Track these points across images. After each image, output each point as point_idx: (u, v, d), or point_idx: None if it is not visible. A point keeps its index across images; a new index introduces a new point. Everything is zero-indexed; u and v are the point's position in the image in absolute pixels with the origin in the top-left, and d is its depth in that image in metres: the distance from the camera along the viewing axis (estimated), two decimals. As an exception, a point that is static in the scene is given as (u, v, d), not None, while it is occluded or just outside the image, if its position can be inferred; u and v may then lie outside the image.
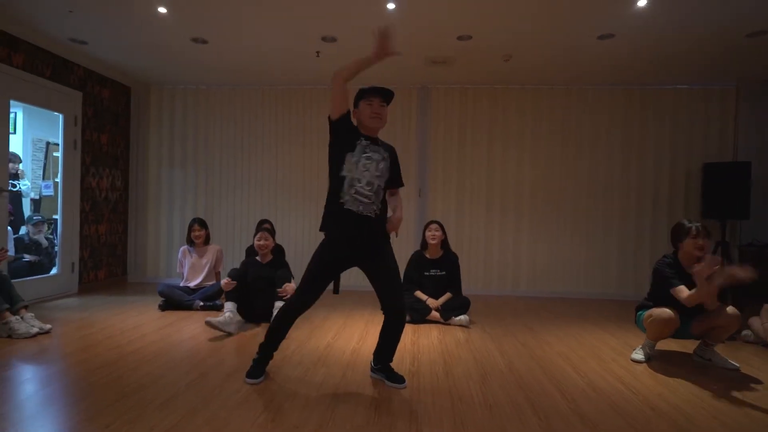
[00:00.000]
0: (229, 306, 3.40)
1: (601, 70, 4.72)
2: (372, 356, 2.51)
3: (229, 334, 3.29)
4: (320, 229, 2.37)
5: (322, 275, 2.33)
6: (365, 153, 2.27)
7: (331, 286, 2.45)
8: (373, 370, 2.51)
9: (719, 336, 2.78)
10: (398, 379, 2.39)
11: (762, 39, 3.84)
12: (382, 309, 2.32)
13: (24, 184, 5.06)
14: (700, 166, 5.06)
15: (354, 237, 2.28)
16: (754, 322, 3.37)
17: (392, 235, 2.39)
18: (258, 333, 3.36)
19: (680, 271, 2.75)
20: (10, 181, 4.21)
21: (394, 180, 2.40)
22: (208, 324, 3.21)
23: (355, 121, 2.37)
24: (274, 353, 2.49)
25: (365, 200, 2.25)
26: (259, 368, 2.42)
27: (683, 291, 2.64)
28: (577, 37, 3.89)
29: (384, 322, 2.37)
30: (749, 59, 4.32)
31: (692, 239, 2.67)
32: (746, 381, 2.58)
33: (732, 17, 3.48)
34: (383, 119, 2.33)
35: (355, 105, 2.37)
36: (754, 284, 4.25)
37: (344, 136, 2.31)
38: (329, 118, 2.33)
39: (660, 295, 2.81)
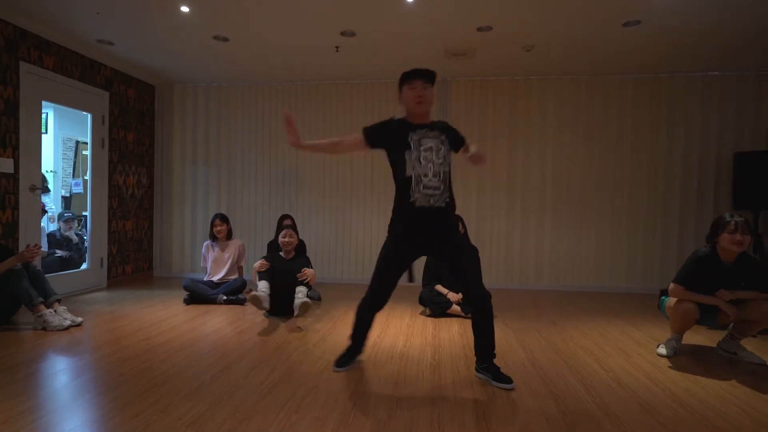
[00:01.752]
0: (263, 284, 3.53)
1: (626, 59, 4.59)
2: (474, 356, 2.44)
3: (266, 313, 3.38)
4: (388, 229, 2.38)
5: (390, 273, 2.34)
6: (422, 145, 2.24)
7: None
8: (478, 369, 2.42)
9: (748, 330, 2.69)
10: (505, 379, 2.28)
11: (797, 22, 3.67)
12: (466, 299, 2.34)
13: (49, 208, 5.27)
14: (731, 155, 4.88)
15: (427, 229, 2.27)
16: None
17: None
18: (280, 327, 3.40)
19: (716, 265, 2.66)
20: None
21: (457, 142, 2.40)
22: (252, 298, 3.35)
23: (401, 108, 2.36)
24: (363, 347, 2.56)
25: (435, 192, 2.23)
26: (345, 357, 2.50)
27: (680, 290, 2.66)
28: (602, 24, 3.78)
29: (472, 314, 2.35)
30: (784, 44, 4.14)
31: (729, 234, 2.58)
32: (780, 377, 2.49)
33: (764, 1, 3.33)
34: (428, 101, 2.29)
35: (400, 90, 2.34)
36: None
37: (393, 140, 2.30)
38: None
39: (678, 275, 2.75)
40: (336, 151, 2.40)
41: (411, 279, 2.52)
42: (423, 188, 2.22)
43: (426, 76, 2.28)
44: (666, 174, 5.03)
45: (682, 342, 2.93)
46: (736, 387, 2.33)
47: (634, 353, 2.88)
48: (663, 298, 2.92)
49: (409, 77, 2.28)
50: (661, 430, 1.86)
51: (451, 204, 2.30)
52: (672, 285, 2.71)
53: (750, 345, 3.00)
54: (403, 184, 2.27)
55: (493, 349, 2.37)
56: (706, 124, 4.96)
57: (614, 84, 5.07)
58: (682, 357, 2.81)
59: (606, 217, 5.12)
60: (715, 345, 2.96)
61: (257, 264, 3.62)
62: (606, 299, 4.66)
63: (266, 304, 3.43)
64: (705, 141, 4.96)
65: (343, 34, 4.04)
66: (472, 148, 2.34)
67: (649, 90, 5.03)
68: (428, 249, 2.38)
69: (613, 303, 4.47)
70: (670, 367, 2.63)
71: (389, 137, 2.31)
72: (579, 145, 5.14)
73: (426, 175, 2.22)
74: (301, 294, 3.52)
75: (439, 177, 2.23)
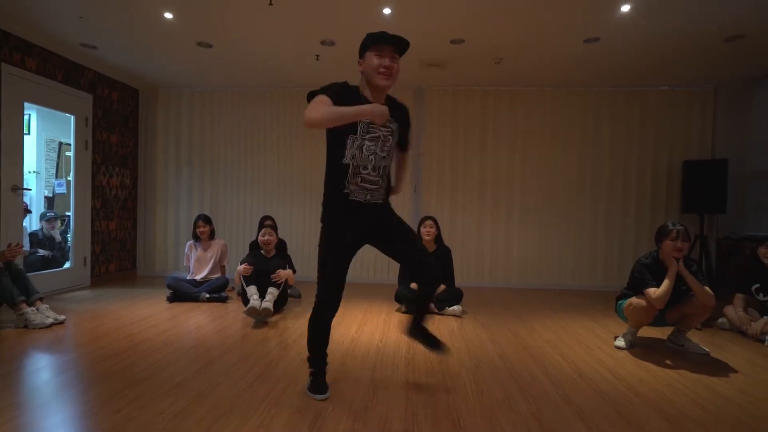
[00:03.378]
0: (253, 290, 3.42)
1: (588, 73, 4.72)
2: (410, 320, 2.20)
3: (247, 310, 3.28)
4: (321, 220, 2.00)
5: (335, 269, 1.97)
6: (369, 132, 1.88)
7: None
8: (412, 333, 2.18)
9: (691, 323, 2.81)
10: (436, 345, 2.11)
11: (739, 43, 3.84)
12: (411, 275, 1.99)
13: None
14: (680, 163, 5.07)
15: (361, 225, 1.97)
16: (729, 310, 3.39)
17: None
18: (261, 324, 3.35)
19: (658, 269, 2.76)
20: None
21: (401, 144, 2.05)
22: (250, 310, 3.23)
23: (359, 79, 1.92)
24: (326, 362, 2.14)
25: (372, 187, 1.92)
26: (318, 383, 2.06)
27: (653, 293, 2.68)
28: (565, 41, 3.88)
29: (419, 283, 2.09)
30: (727, 63, 4.33)
31: (671, 241, 2.69)
32: (719, 365, 2.60)
33: (710, 23, 3.47)
34: (393, 76, 1.86)
35: (361, 54, 1.90)
36: (729, 275, 4.29)
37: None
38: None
39: (638, 286, 2.82)
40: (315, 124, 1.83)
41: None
42: (360, 181, 1.89)
43: (398, 43, 1.86)
44: (623, 180, 5.19)
45: (638, 335, 3.02)
46: (683, 376, 2.42)
47: (594, 346, 2.95)
48: (620, 302, 3.00)
49: (377, 40, 1.84)
50: (617, 417, 1.92)
51: (388, 200, 2.04)
52: (644, 293, 2.72)
53: (696, 337, 3.12)
54: (338, 171, 1.90)
55: (425, 313, 2.16)
56: (658, 134, 5.14)
57: (577, 96, 5.21)
58: (637, 349, 2.90)
59: (569, 220, 5.24)
60: (665, 338, 3.06)
61: (241, 268, 3.51)
62: (569, 296, 4.77)
63: (269, 304, 3.33)
64: (658, 150, 5.15)
65: (323, 43, 4.02)
66: (398, 185, 2.12)
67: (608, 102, 5.18)
68: (366, 240, 2.03)
69: (575, 300, 4.58)
70: (626, 358, 2.71)
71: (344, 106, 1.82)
72: (545, 152, 5.25)
73: (365, 168, 1.89)
74: (270, 296, 3.39)
75: (379, 171, 1.92)
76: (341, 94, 1.84)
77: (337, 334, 3.10)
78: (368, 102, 1.88)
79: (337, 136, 1.90)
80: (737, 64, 4.36)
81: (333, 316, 2.06)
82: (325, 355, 2.14)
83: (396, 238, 2.03)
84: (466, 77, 4.94)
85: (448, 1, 3.24)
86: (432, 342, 2.16)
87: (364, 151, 1.88)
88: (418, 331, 2.18)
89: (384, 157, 1.93)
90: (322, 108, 1.74)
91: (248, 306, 3.26)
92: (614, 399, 2.10)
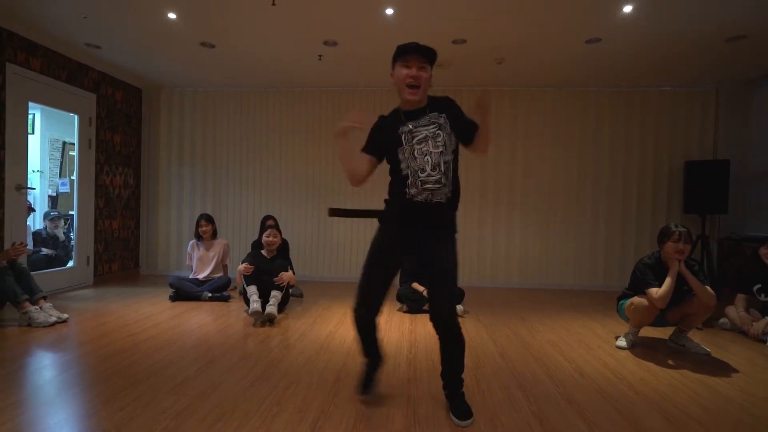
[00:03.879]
0: (253, 290, 3.42)
1: (589, 73, 4.70)
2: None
3: (248, 310, 3.30)
4: (380, 221, 1.98)
5: (378, 271, 1.93)
6: (414, 137, 1.83)
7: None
8: (444, 393, 1.98)
9: (692, 323, 2.80)
10: (461, 413, 1.84)
11: (740, 44, 3.83)
12: (430, 319, 1.87)
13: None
14: (682, 163, 5.06)
15: (417, 223, 1.88)
16: (730, 310, 3.38)
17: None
18: (261, 322, 3.35)
19: (660, 269, 2.76)
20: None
21: (465, 132, 1.89)
22: (253, 313, 3.25)
23: (393, 87, 1.94)
24: (375, 360, 2.09)
25: (436, 186, 1.81)
26: (366, 378, 2.06)
27: (656, 293, 2.67)
28: (566, 41, 3.87)
29: (438, 336, 1.89)
30: (728, 63, 4.31)
31: (674, 243, 2.68)
32: (720, 365, 2.59)
33: (712, 23, 3.46)
34: (423, 87, 1.85)
35: (393, 67, 1.91)
36: (730, 275, 4.28)
37: (385, 140, 1.89)
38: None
39: (640, 286, 2.81)
40: (356, 180, 1.93)
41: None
42: (421, 184, 1.81)
43: (424, 53, 1.86)
44: (625, 180, 5.18)
45: (639, 335, 3.02)
46: (684, 375, 2.42)
47: (595, 346, 2.95)
48: (621, 302, 2.99)
49: (402, 52, 1.85)
50: (617, 416, 1.91)
51: (452, 200, 1.88)
52: (646, 293, 2.73)
53: (697, 337, 3.12)
54: (399, 179, 1.87)
55: (456, 381, 1.92)
56: (660, 134, 5.12)
57: (578, 96, 5.19)
58: (639, 349, 2.89)
59: (571, 220, 5.23)
60: (667, 338, 3.05)
61: (242, 267, 3.50)
62: (570, 296, 4.76)
63: (272, 309, 3.31)
64: (659, 150, 5.13)
65: (325, 43, 4.02)
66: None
67: (609, 102, 5.17)
68: (417, 250, 1.91)
69: (576, 300, 4.57)
70: (627, 358, 2.71)
71: (382, 139, 1.91)
72: (546, 152, 5.24)
73: (423, 170, 1.81)
74: (274, 300, 3.38)
75: (440, 168, 1.81)
76: (378, 130, 1.93)
77: (339, 334, 3.10)
78: (407, 112, 1.89)
79: (389, 152, 1.89)
80: (738, 64, 4.34)
81: (369, 311, 1.96)
82: (373, 352, 2.07)
83: (435, 275, 1.86)
84: (467, 77, 4.94)
85: (450, 2, 3.24)
86: (460, 410, 1.86)
87: (416, 155, 1.83)
88: (449, 397, 1.96)
89: (441, 152, 1.82)
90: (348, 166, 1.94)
91: (251, 309, 3.26)
92: (615, 398, 2.10)
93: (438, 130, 1.84)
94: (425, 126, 1.85)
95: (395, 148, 1.86)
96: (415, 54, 1.85)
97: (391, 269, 1.95)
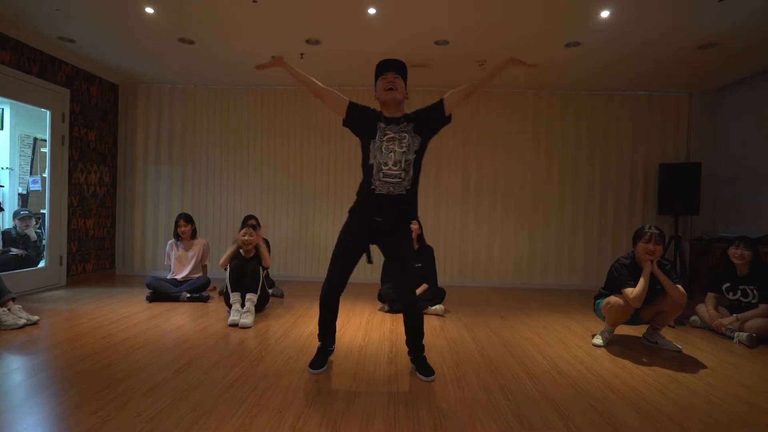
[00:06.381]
0: (237, 297, 3.40)
1: (569, 76, 4.80)
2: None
3: (230, 310, 3.35)
4: (349, 211, 2.33)
5: (345, 255, 2.29)
6: (386, 135, 2.19)
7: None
8: (410, 358, 2.43)
9: (664, 320, 2.89)
10: (426, 371, 2.31)
11: (712, 51, 3.96)
12: (394, 293, 2.27)
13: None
14: (656, 166, 5.21)
15: (383, 215, 2.22)
16: (701, 308, 3.50)
17: None
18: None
19: (636, 269, 2.84)
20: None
21: (432, 117, 2.25)
22: (232, 325, 3.23)
23: (378, 105, 2.30)
24: (330, 342, 2.44)
25: (395, 180, 2.17)
26: (318, 358, 2.39)
27: (631, 292, 2.75)
28: (546, 44, 3.94)
29: (403, 313, 2.36)
30: (701, 70, 4.46)
31: (644, 243, 2.77)
32: (690, 361, 2.68)
33: (685, 31, 3.57)
34: (398, 90, 2.21)
35: (375, 86, 2.29)
36: (701, 274, 4.41)
37: (363, 127, 2.25)
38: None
39: (616, 286, 2.89)
40: (316, 93, 2.30)
41: (369, 261, 2.39)
42: (383, 176, 2.17)
43: (396, 67, 2.24)
44: (602, 181, 5.30)
45: (614, 333, 3.10)
46: (656, 372, 2.49)
47: (572, 344, 3.01)
48: (597, 302, 3.07)
49: (380, 69, 2.26)
50: (592, 412, 1.96)
51: (411, 192, 2.23)
52: (623, 292, 2.80)
53: (669, 335, 3.21)
54: (366, 171, 2.24)
55: (418, 348, 2.37)
56: (636, 137, 5.26)
57: (558, 99, 5.29)
58: (614, 347, 2.97)
59: (550, 220, 5.33)
60: (641, 336, 3.14)
61: (227, 255, 3.58)
62: (549, 295, 4.85)
63: (247, 319, 3.25)
64: (635, 153, 5.27)
65: (308, 41, 4.00)
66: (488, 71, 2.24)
67: (588, 105, 5.29)
68: (380, 237, 2.29)
69: (555, 299, 4.66)
70: (603, 356, 2.77)
71: (363, 123, 2.26)
72: (526, 154, 5.33)
73: (386, 164, 2.17)
74: (249, 303, 3.34)
75: (401, 165, 2.17)
76: (365, 114, 2.27)
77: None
78: (386, 117, 2.24)
79: (363, 144, 2.25)
80: (711, 71, 4.50)
81: (337, 292, 2.33)
82: (331, 332, 2.42)
83: (396, 262, 2.28)
84: (450, 78, 4.98)
85: (433, 3, 3.26)
86: (425, 369, 2.32)
87: (383, 150, 2.18)
88: (413, 360, 2.40)
89: (404, 152, 2.18)
90: (313, 79, 2.33)
91: (230, 320, 3.24)
92: (591, 395, 2.15)
93: (405, 133, 2.20)
94: (396, 131, 2.21)
95: (369, 139, 2.22)
96: (389, 70, 2.24)
97: (355, 255, 2.31)
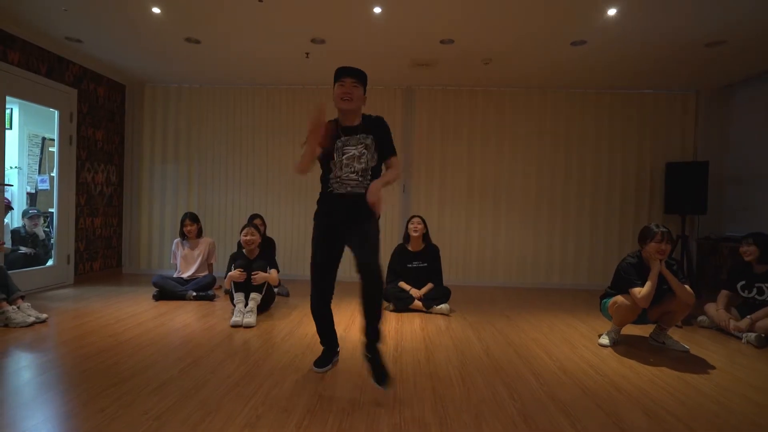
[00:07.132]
0: (241, 297, 3.37)
1: (574, 75, 4.77)
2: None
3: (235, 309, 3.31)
4: (314, 219, 2.33)
5: (321, 258, 2.25)
6: (344, 154, 2.19)
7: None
8: (365, 356, 2.15)
9: (671, 320, 2.87)
10: (378, 373, 2.05)
11: (719, 49, 3.92)
12: (356, 270, 2.07)
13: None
14: (663, 165, 5.16)
15: (339, 211, 2.21)
16: (710, 308, 3.46)
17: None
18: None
19: (642, 268, 2.82)
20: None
21: (382, 153, 2.24)
22: (234, 325, 3.19)
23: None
24: (333, 343, 2.44)
25: (352, 182, 2.18)
26: (322, 358, 2.40)
27: (639, 292, 2.72)
28: (552, 43, 3.92)
29: (360, 281, 2.08)
30: (708, 68, 4.41)
31: (656, 243, 2.74)
32: (698, 362, 2.66)
33: (692, 28, 3.54)
34: (353, 100, 2.16)
35: (333, 88, 2.23)
36: (709, 274, 4.36)
37: (328, 151, 2.21)
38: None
39: (624, 285, 2.86)
40: (307, 170, 2.24)
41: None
42: (339, 179, 2.20)
43: (355, 74, 2.18)
44: (608, 180, 5.26)
45: (621, 333, 3.07)
46: (663, 372, 2.47)
47: (578, 344, 2.99)
48: (604, 301, 3.05)
49: (338, 75, 2.19)
50: (599, 412, 1.95)
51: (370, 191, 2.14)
52: (630, 292, 2.78)
53: (677, 335, 3.19)
54: (325, 180, 2.27)
55: (374, 332, 2.09)
56: (642, 136, 5.22)
57: (563, 98, 5.26)
58: (621, 347, 2.94)
59: (555, 219, 5.30)
60: (647, 336, 3.12)
61: (235, 273, 3.40)
62: (554, 295, 4.83)
63: (250, 318, 3.23)
64: (641, 151, 5.23)
65: (313, 41, 4.00)
66: (378, 182, 2.12)
67: (594, 103, 5.25)
68: (346, 233, 2.21)
69: (561, 298, 4.63)
70: (609, 356, 2.76)
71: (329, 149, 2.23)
72: (532, 153, 5.30)
73: (343, 172, 2.20)
74: (252, 303, 3.33)
75: (357, 173, 2.19)
76: (329, 129, 2.16)
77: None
78: (344, 127, 2.22)
79: (324, 164, 2.26)
80: (718, 69, 4.45)
81: (324, 300, 2.31)
82: (331, 337, 2.42)
83: (356, 237, 2.17)
84: (455, 77, 4.96)
85: (438, 2, 3.25)
86: (378, 372, 2.06)
87: (340, 164, 2.20)
88: (367, 357, 2.13)
89: (362, 165, 2.19)
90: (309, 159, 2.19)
91: (232, 321, 3.22)
92: (597, 395, 2.13)
93: (364, 149, 2.20)
94: (354, 146, 2.20)
95: (328, 161, 2.22)
96: (347, 76, 2.18)
97: (331, 259, 2.27)
